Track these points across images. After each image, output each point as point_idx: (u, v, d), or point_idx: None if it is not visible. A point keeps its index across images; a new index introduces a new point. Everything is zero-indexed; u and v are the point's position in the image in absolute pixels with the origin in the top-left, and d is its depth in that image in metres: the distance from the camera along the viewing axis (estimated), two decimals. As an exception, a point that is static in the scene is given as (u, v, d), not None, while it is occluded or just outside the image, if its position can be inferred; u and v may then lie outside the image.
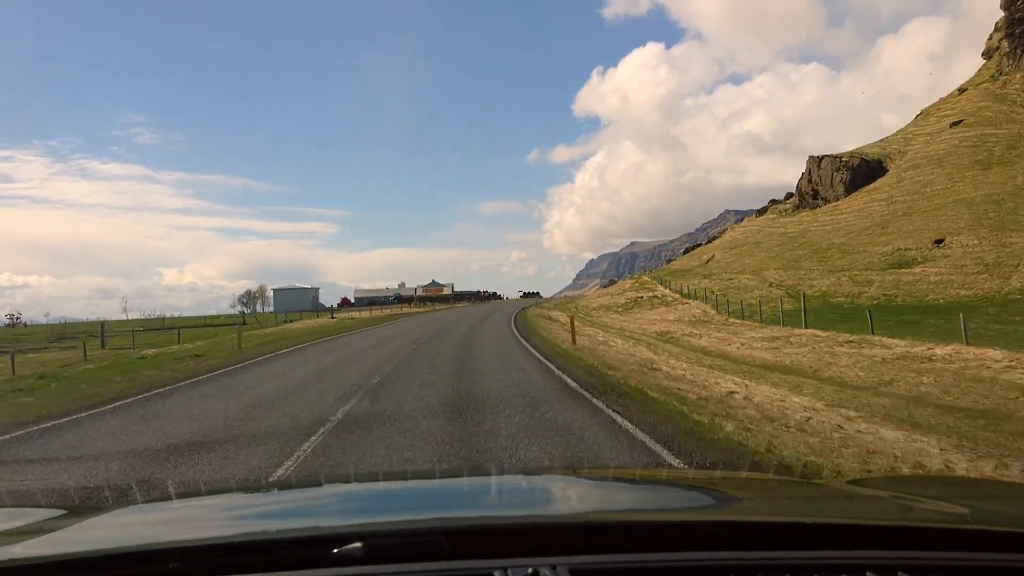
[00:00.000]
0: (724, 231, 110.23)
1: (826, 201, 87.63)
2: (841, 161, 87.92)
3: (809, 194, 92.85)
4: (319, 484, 3.06)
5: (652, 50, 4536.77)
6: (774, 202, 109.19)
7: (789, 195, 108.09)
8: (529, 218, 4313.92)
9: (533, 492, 2.29)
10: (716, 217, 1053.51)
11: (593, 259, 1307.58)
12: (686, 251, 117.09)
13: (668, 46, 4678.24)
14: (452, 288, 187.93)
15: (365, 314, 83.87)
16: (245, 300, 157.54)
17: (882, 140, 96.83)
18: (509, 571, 1.21)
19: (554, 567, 1.22)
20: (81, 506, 3.67)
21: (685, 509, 1.93)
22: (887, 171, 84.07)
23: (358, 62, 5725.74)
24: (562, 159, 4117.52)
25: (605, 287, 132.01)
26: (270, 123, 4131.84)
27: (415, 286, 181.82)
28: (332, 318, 68.21)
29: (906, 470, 6.29)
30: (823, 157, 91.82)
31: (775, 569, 1.26)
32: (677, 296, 58.54)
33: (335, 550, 1.28)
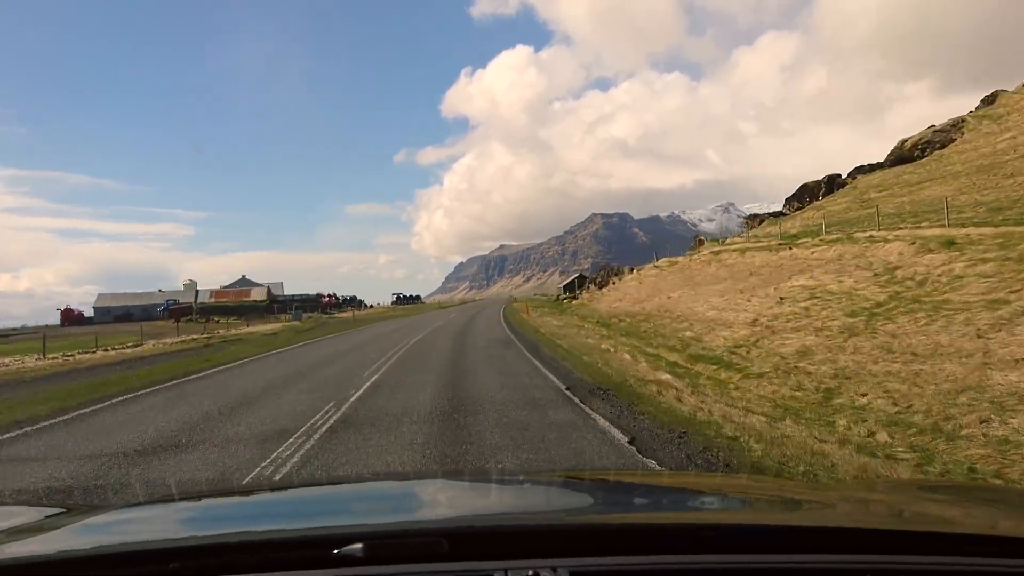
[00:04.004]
0: (910, 143, 40.81)
1: None
2: None
3: None
4: (320, 484, 3.05)
5: (521, 52, 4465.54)
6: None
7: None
8: (397, 220, 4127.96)
9: (534, 494, 2.21)
10: (584, 220, 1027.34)
11: (462, 262, 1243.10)
12: (793, 205, 47.42)
13: (537, 49, 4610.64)
14: (273, 290, 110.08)
15: None
16: None
17: None
18: (509, 573, 1.18)
19: (554, 569, 1.18)
20: (83, 505, 3.49)
21: (685, 512, 1.88)
22: None
23: (216, 57, 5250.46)
24: (430, 160, 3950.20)
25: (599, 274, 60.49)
26: (119, 118, 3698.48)
27: (212, 287, 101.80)
28: None
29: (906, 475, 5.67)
30: None
31: (775, 573, 1.23)
32: None
33: (335, 551, 1.25)
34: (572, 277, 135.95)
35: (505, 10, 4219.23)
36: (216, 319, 75.11)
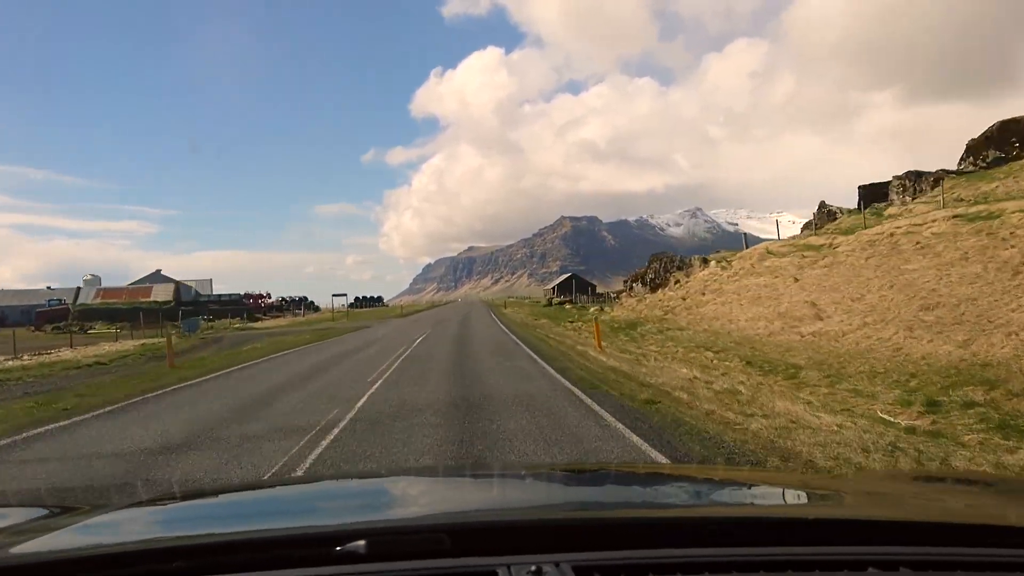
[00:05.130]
0: None
1: None
2: None
3: None
4: (321, 481, 2.95)
5: (492, 53, 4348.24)
6: None
7: None
8: (366, 221, 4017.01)
9: (536, 488, 2.20)
10: (553, 223, 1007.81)
11: (430, 263, 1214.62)
12: (984, 156, 28.06)
13: (508, 50, 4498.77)
14: (199, 289, 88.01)
15: None
16: None
17: None
18: (512, 568, 1.15)
19: (557, 564, 1.15)
20: (84, 504, 3.17)
21: (688, 505, 1.85)
22: None
23: (183, 53, 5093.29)
24: (399, 160, 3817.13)
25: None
26: (83, 113, 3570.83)
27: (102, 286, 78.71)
28: None
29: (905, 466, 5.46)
30: None
31: (778, 565, 1.19)
32: None
33: (337, 548, 1.22)
34: (565, 276, 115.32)
35: (476, 10, 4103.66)
36: (92, 327, 53.70)
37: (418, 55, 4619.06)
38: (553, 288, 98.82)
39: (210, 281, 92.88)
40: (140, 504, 2.28)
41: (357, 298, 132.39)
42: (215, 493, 2.54)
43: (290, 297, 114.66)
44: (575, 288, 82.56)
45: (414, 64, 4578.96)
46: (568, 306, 60.34)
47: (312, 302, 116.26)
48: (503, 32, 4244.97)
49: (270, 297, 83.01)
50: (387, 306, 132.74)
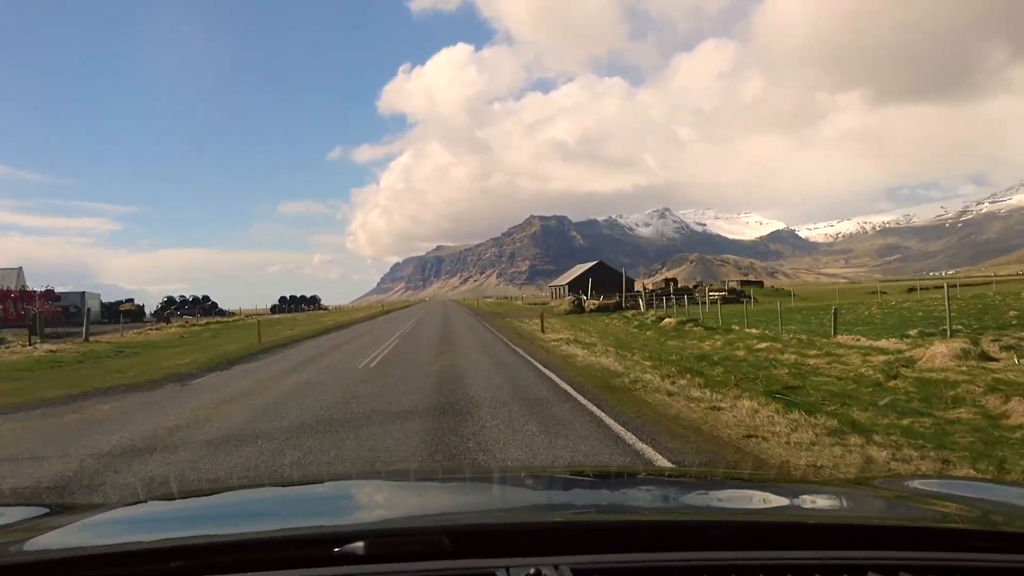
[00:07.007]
0: None
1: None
2: None
3: None
4: (321, 482, 3.03)
5: (462, 50, 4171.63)
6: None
7: None
8: (333, 219, 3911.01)
9: (535, 491, 2.16)
10: (522, 222, 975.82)
11: (398, 262, 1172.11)
12: None
13: (478, 47, 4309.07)
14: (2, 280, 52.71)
15: None
16: None
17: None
18: (511, 570, 1.14)
19: (556, 567, 1.14)
20: (83, 504, 3.35)
21: (687, 509, 1.84)
22: None
23: (144, 46, 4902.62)
24: (367, 158, 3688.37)
25: None
26: (40, 104, 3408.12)
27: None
28: None
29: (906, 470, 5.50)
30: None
31: (777, 569, 1.18)
32: None
33: (336, 549, 1.21)
34: (591, 264, 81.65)
35: (445, 5, 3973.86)
36: None
37: (386, 51, 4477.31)
38: (585, 283, 64.51)
39: (19, 271, 57.52)
40: (139, 503, 2.26)
41: (283, 298, 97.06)
42: (214, 493, 2.52)
43: (182, 297, 79.87)
44: (625, 285, 49.01)
45: (382, 60, 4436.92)
46: (652, 317, 27.29)
47: (215, 304, 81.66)
48: (472, 28, 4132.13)
49: (58, 299, 48.24)
50: (325, 309, 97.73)
